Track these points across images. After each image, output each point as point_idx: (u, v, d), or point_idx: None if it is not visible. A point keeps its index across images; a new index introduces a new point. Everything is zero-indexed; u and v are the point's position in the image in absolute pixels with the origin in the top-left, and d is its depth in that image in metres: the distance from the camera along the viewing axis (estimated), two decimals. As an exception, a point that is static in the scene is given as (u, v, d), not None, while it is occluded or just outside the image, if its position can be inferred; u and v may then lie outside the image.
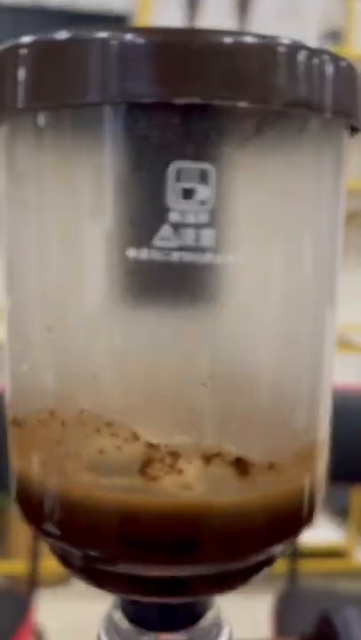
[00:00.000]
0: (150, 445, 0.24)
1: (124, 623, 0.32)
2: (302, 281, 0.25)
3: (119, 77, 0.21)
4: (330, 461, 0.31)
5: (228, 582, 0.28)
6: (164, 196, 0.22)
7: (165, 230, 0.22)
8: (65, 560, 0.30)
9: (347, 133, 0.27)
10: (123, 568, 0.27)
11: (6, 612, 1.00)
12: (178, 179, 0.22)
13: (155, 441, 0.24)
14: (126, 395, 0.24)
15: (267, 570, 0.29)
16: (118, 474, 0.25)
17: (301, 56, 0.22)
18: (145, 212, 0.22)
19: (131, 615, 0.31)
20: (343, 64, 0.24)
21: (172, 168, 0.22)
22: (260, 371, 0.25)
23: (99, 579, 0.29)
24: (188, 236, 0.22)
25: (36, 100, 0.23)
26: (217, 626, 0.32)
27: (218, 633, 0.32)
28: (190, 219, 0.22)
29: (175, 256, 0.22)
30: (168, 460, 0.24)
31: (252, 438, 0.25)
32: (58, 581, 1.66)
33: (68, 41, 0.22)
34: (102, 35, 0.21)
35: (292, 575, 1.10)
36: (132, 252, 0.22)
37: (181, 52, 0.21)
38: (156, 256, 0.22)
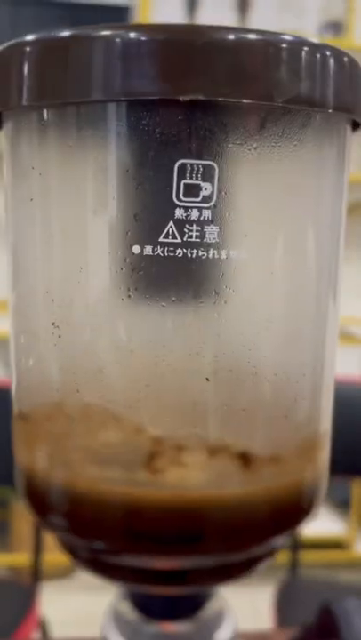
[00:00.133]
0: (155, 439, 0.24)
1: (129, 613, 0.32)
2: (305, 275, 0.26)
3: (123, 75, 0.21)
4: (331, 453, 0.31)
5: (232, 573, 0.28)
6: (169, 193, 0.22)
7: (170, 227, 0.22)
8: (71, 552, 0.30)
9: (349, 128, 0.27)
10: (128, 560, 0.27)
11: (11, 604, 1.01)
12: (182, 176, 0.22)
13: (159, 435, 0.24)
14: (131, 389, 0.25)
15: (269, 561, 0.30)
16: (124, 467, 0.25)
17: (304, 53, 0.22)
18: (150, 208, 0.23)
19: (136, 605, 0.32)
20: (345, 59, 0.24)
21: (177, 165, 0.22)
22: (263, 365, 0.25)
23: (104, 570, 0.29)
24: (193, 233, 0.22)
25: (40, 98, 0.23)
26: (220, 615, 0.32)
27: (221, 622, 0.32)
28: (194, 215, 0.22)
29: (179, 252, 0.22)
30: (172, 453, 0.24)
31: (256, 431, 0.26)
32: (61, 574, 1.67)
33: (71, 39, 0.22)
34: (106, 32, 0.21)
35: (294, 566, 1.10)
36: (137, 248, 0.23)
37: (185, 49, 0.21)
38: (161, 252, 0.22)
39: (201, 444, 0.25)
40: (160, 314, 0.23)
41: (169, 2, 1.71)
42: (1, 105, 0.25)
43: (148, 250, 0.22)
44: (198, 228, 0.22)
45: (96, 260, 0.24)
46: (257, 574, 0.30)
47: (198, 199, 0.22)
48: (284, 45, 0.22)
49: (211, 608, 0.32)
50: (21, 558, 1.63)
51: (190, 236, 0.22)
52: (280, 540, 0.28)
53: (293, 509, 0.28)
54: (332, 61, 0.23)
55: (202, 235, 0.22)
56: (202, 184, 0.22)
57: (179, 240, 0.22)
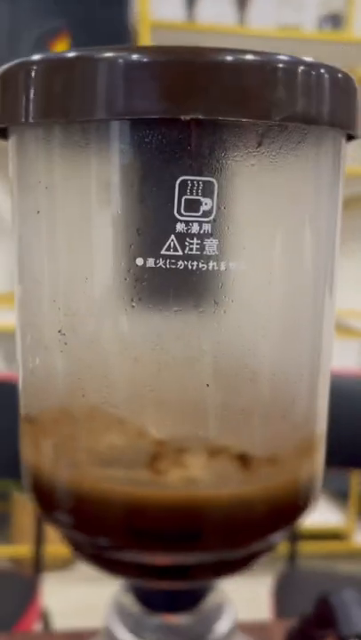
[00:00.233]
0: (158, 441, 0.26)
1: (131, 605, 0.33)
2: (302, 283, 0.27)
3: (126, 95, 0.22)
4: (330, 446, 0.32)
5: (231, 568, 0.30)
6: (170, 208, 0.23)
7: (172, 240, 0.23)
8: (75, 547, 0.31)
9: (344, 141, 0.28)
10: (131, 556, 0.28)
11: (13, 595, 1.02)
12: (183, 192, 0.23)
13: (162, 437, 0.25)
14: (135, 394, 0.26)
15: (267, 556, 0.31)
16: (127, 468, 0.26)
17: (300, 72, 0.23)
18: (152, 223, 0.23)
19: (138, 598, 0.33)
20: (340, 76, 0.25)
21: (178, 181, 0.23)
22: (261, 370, 0.26)
23: (107, 565, 0.30)
24: (193, 246, 0.23)
25: (46, 116, 0.24)
26: (220, 607, 0.33)
27: (221, 614, 0.33)
28: (195, 229, 0.23)
29: (181, 264, 0.23)
30: (174, 455, 0.26)
31: (254, 434, 0.27)
32: (62, 565, 1.69)
33: (76, 60, 0.23)
34: (109, 54, 0.22)
35: (292, 557, 1.11)
36: (140, 261, 0.24)
37: (185, 70, 0.22)
38: (163, 264, 0.23)
39: (201, 446, 0.26)
40: (162, 322, 0.25)
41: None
42: (8, 120, 0.26)
43: (151, 262, 0.23)
44: (199, 241, 0.23)
45: (101, 271, 0.25)
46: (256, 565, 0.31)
47: (199, 214, 0.23)
48: (280, 65, 0.23)
49: (211, 601, 0.33)
50: (22, 550, 1.64)
51: (191, 249, 0.23)
52: (278, 537, 0.29)
53: (290, 507, 0.29)
54: (327, 79, 0.24)
55: (202, 247, 0.23)
56: (202, 199, 0.23)
57: (180, 253, 0.23)
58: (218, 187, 0.23)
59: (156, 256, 0.23)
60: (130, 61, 0.22)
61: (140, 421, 0.26)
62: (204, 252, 0.23)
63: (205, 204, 0.23)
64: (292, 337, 0.27)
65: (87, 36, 1.63)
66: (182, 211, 0.23)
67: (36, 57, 0.24)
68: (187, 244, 0.23)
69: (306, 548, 1.71)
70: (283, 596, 1.02)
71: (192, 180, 0.23)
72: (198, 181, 0.23)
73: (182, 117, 0.22)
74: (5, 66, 0.25)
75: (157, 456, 0.26)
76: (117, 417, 0.26)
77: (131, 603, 0.33)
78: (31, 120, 0.24)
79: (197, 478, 0.26)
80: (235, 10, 1.69)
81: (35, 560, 1.07)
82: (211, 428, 0.26)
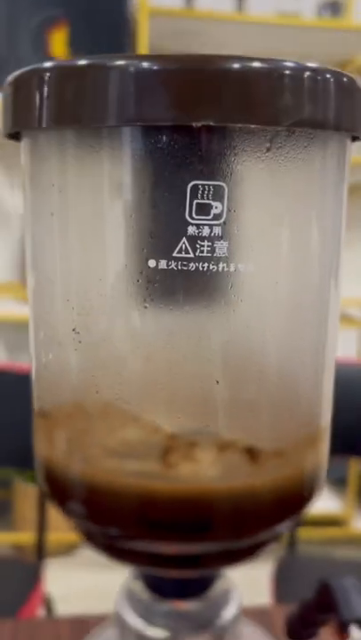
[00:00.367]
0: (169, 436, 0.26)
1: (141, 592, 0.34)
2: (308, 284, 0.27)
3: (137, 102, 0.23)
4: (330, 434, 0.33)
5: (238, 557, 0.31)
6: (182, 212, 0.24)
7: (183, 243, 0.24)
8: (87, 536, 0.32)
9: (349, 142, 0.28)
10: (142, 545, 0.29)
11: (17, 582, 1.03)
12: (194, 196, 0.24)
13: (173, 432, 0.26)
14: (147, 391, 0.27)
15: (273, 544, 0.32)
16: (140, 461, 0.27)
17: (306, 78, 0.24)
18: (164, 226, 0.24)
19: (148, 585, 0.34)
20: (345, 80, 0.26)
21: (189, 186, 0.24)
22: (268, 368, 0.27)
23: (119, 554, 0.31)
24: (204, 248, 0.24)
25: (59, 122, 0.25)
26: (227, 594, 0.35)
27: (228, 600, 0.34)
28: (205, 232, 0.24)
29: (192, 266, 0.24)
30: (185, 449, 0.26)
31: (262, 428, 0.28)
32: (64, 551, 1.71)
33: (88, 67, 0.24)
34: (120, 62, 0.23)
35: (292, 543, 1.13)
36: (152, 262, 0.24)
37: (195, 78, 0.23)
38: (175, 266, 0.24)
39: (211, 441, 0.27)
40: (173, 322, 0.25)
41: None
42: (21, 125, 0.26)
43: (163, 264, 0.24)
44: (209, 244, 0.24)
45: (114, 272, 0.25)
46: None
47: (209, 217, 0.24)
48: (287, 72, 0.23)
49: (218, 587, 0.34)
50: (24, 537, 1.66)
51: (202, 251, 0.24)
52: (284, 526, 0.30)
53: (296, 498, 0.30)
54: (332, 84, 0.25)
55: (212, 250, 0.24)
56: (212, 203, 0.24)
57: (191, 255, 0.24)
58: (228, 191, 0.24)
59: (169, 258, 0.24)
60: (141, 69, 0.23)
61: (151, 417, 0.26)
62: (215, 254, 0.24)
63: (216, 207, 0.24)
64: (298, 334, 0.28)
65: (86, 25, 1.62)
66: (193, 214, 0.24)
67: (48, 64, 0.25)
68: (198, 246, 0.24)
69: (305, 534, 1.73)
70: (283, 580, 1.03)
71: (203, 185, 0.24)
72: (209, 186, 0.24)
73: (193, 124, 0.23)
74: (18, 72, 0.26)
75: (169, 450, 0.27)
76: (130, 412, 0.26)
77: (140, 589, 0.34)
78: (44, 125, 0.25)
79: (207, 471, 0.27)
80: (234, -2, 1.68)
81: (37, 547, 1.08)
82: (220, 423, 0.27)
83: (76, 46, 1.63)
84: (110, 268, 0.26)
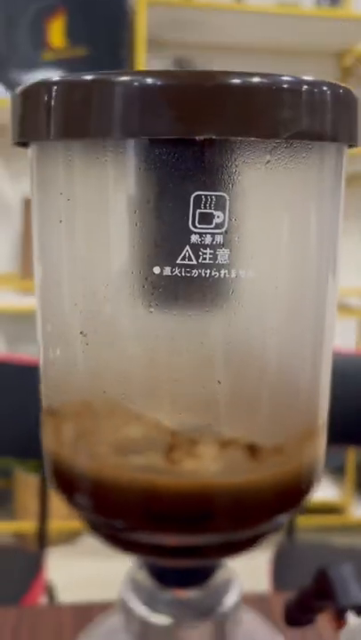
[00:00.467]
0: (173, 434, 0.28)
1: (145, 580, 0.36)
2: (306, 288, 0.29)
3: (142, 116, 0.24)
4: (328, 423, 0.34)
5: (239, 547, 0.32)
6: (186, 221, 0.25)
7: (187, 251, 0.25)
8: (93, 527, 0.33)
9: (346, 148, 0.29)
10: (146, 537, 0.31)
11: (19, 570, 1.05)
12: (197, 206, 0.25)
13: (177, 430, 0.28)
14: (152, 391, 0.28)
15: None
16: (145, 457, 0.28)
17: (303, 91, 0.25)
18: (169, 234, 0.25)
19: (151, 574, 0.36)
20: (341, 92, 0.27)
21: (192, 197, 0.25)
22: (268, 369, 0.28)
23: (124, 545, 0.33)
24: (206, 255, 0.25)
25: (66, 134, 0.26)
26: (228, 582, 0.36)
27: (229, 588, 0.36)
28: (208, 240, 0.25)
29: (195, 272, 0.25)
30: (188, 446, 0.28)
31: (262, 426, 0.29)
32: (65, 540, 1.73)
33: (93, 83, 0.24)
34: (125, 78, 0.24)
35: (290, 530, 1.15)
36: (157, 269, 0.26)
37: (198, 93, 0.24)
38: (179, 272, 0.25)
39: (213, 438, 0.28)
40: (177, 326, 0.27)
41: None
42: (29, 136, 0.27)
43: (168, 270, 0.25)
44: (212, 252, 0.25)
45: (121, 278, 0.27)
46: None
47: (212, 226, 0.25)
48: (285, 86, 0.24)
49: (220, 576, 0.36)
50: (25, 526, 1.68)
51: (204, 259, 0.25)
52: (283, 518, 0.31)
53: (295, 491, 0.31)
54: (329, 96, 0.26)
55: (215, 257, 0.25)
56: (215, 213, 0.25)
57: (194, 262, 0.25)
58: (229, 201, 0.25)
59: (173, 265, 0.25)
60: (145, 85, 0.24)
61: (156, 416, 0.28)
62: (217, 261, 0.25)
63: (218, 216, 0.25)
64: (297, 335, 0.29)
65: (84, 14, 1.62)
66: (196, 223, 0.25)
67: (56, 78, 0.25)
68: (200, 253, 0.25)
69: (304, 521, 1.75)
70: (281, 567, 1.05)
71: (205, 195, 0.25)
72: (211, 196, 0.25)
73: (196, 138, 0.24)
74: (26, 84, 0.27)
75: (173, 447, 0.28)
76: (136, 411, 0.28)
77: (144, 578, 0.36)
78: (52, 138, 0.26)
79: (209, 467, 0.28)
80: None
81: (39, 535, 1.10)
82: (221, 422, 0.28)
83: (73, 36, 1.62)
84: (117, 274, 0.27)
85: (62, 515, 1.53)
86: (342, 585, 0.38)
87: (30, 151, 0.29)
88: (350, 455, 1.88)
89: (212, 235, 0.25)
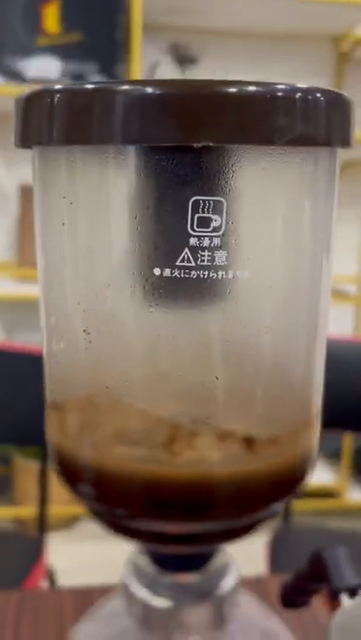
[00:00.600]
0: (173, 427, 0.29)
1: (146, 566, 0.37)
2: (300, 287, 0.30)
3: (141, 124, 0.25)
4: (324, 409, 0.35)
5: (236, 534, 0.33)
6: (184, 225, 0.26)
7: (186, 253, 0.26)
8: (96, 514, 0.35)
9: (339, 150, 0.30)
10: (147, 525, 0.32)
11: (20, 555, 1.06)
12: (195, 210, 0.26)
13: (177, 423, 0.29)
14: (153, 387, 0.29)
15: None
16: (146, 449, 0.30)
17: (297, 98, 0.26)
18: (168, 237, 0.26)
19: (152, 559, 0.37)
20: (333, 97, 0.27)
21: (191, 201, 0.26)
22: (263, 365, 0.29)
23: (126, 532, 0.34)
24: (205, 257, 0.26)
25: (67, 141, 0.26)
26: (225, 567, 0.37)
27: (226, 572, 0.37)
28: (206, 243, 0.26)
29: (194, 273, 0.27)
30: (188, 438, 0.29)
31: (258, 419, 0.30)
32: (65, 524, 1.75)
33: (95, 91, 0.25)
34: (125, 87, 0.25)
35: (287, 514, 1.16)
36: (157, 271, 0.27)
37: (196, 102, 0.24)
38: (178, 274, 0.27)
39: (212, 431, 0.29)
40: (177, 325, 0.28)
41: None
42: (32, 141, 0.28)
43: (167, 272, 0.27)
44: (209, 254, 0.26)
45: (122, 279, 0.28)
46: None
47: (209, 229, 0.26)
48: (279, 94, 0.25)
49: (218, 561, 0.37)
50: (25, 511, 1.70)
51: (203, 261, 0.26)
52: (279, 505, 0.33)
53: (290, 479, 0.33)
54: (322, 102, 0.27)
55: (212, 259, 0.26)
56: (212, 217, 0.26)
57: (193, 264, 0.26)
58: (226, 205, 0.26)
59: (172, 267, 0.26)
60: (145, 94, 0.25)
61: (157, 410, 0.29)
62: (215, 263, 0.27)
63: (215, 220, 0.26)
64: (291, 333, 0.30)
65: (78, 0, 1.61)
66: (195, 227, 0.26)
67: (58, 86, 0.26)
68: (199, 256, 0.26)
69: (300, 505, 1.78)
70: (277, 551, 1.06)
71: (203, 200, 0.26)
72: (209, 201, 0.26)
73: (194, 145, 0.25)
74: (29, 91, 0.28)
75: (173, 439, 0.29)
76: (137, 406, 0.29)
77: (145, 563, 0.37)
78: (54, 144, 0.27)
79: (208, 459, 0.29)
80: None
81: (39, 521, 1.11)
82: (219, 415, 0.29)
83: (68, 22, 1.62)
84: (119, 276, 0.28)
85: (62, 500, 1.55)
86: (336, 568, 0.38)
87: (33, 154, 0.30)
88: (346, 440, 1.90)
89: (210, 238, 0.26)
